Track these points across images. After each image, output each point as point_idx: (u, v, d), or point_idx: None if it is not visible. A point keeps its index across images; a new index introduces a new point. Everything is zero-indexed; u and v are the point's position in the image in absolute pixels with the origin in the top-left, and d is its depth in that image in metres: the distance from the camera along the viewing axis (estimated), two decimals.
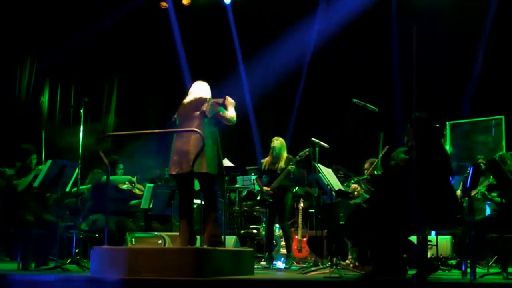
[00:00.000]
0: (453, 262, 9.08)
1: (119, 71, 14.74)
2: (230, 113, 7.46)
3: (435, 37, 12.39)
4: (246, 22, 14.46)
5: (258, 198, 10.32)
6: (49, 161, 8.14)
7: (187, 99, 7.53)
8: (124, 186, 9.46)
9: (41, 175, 8.10)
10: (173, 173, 7.25)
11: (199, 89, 7.60)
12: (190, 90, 7.66)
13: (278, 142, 10.03)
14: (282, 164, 9.92)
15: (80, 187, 8.86)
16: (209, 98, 7.43)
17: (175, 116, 7.50)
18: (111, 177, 8.91)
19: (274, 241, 10.40)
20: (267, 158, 10.14)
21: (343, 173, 9.86)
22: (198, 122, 7.20)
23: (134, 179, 9.59)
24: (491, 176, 8.71)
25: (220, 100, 7.47)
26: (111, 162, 9.16)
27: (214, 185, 7.44)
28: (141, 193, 9.61)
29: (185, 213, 7.27)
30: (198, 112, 7.24)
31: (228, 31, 14.67)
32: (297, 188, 11.40)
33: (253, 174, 12.22)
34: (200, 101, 7.36)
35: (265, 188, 10.01)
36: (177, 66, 14.67)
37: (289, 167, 9.75)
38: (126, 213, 9.54)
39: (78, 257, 8.67)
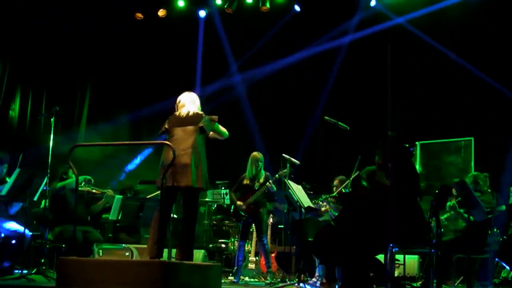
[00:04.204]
0: (418, 284, 9.14)
1: (91, 79, 14.65)
2: (223, 128, 7.61)
3: (406, 56, 12.54)
4: (220, 36, 14.44)
5: (232, 211, 10.23)
6: (17, 170, 8.07)
7: (183, 112, 7.47)
8: (82, 188, 9.30)
9: (9, 184, 8.03)
10: (169, 185, 7.11)
11: (193, 102, 7.58)
12: (182, 102, 7.58)
13: (259, 157, 9.98)
14: (261, 180, 9.91)
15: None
16: (205, 114, 7.46)
17: (166, 126, 7.45)
18: (66, 181, 8.87)
19: (243, 257, 10.36)
20: (250, 173, 10.04)
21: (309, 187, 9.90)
22: (195, 137, 7.25)
23: (91, 177, 9.43)
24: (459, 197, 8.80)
25: (215, 118, 7.50)
26: (66, 170, 9.12)
27: (198, 199, 7.52)
28: (99, 192, 9.49)
29: (162, 226, 7.22)
30: (195, 127, 7.29)
31: (205, 44, 14.67)
32: (267, 203, 11.41)
33: (223, 188, 12.21)
34: (197, 116, 7.39)
35: (238, 202, 9.97)
36: (150, 77, 14.64)
37: (268, 184, 9.72)
38: (88, 220, 9.45)
39: (44, 267, 8.58)
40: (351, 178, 8.49)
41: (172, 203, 7.38)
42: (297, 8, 13.46)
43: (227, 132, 7.67)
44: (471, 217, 8.29)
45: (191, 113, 7.43)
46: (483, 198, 8.62)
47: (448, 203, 8.90)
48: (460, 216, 8.92)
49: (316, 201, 9.66)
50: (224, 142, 7.91)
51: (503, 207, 9.09)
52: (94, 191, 9.46)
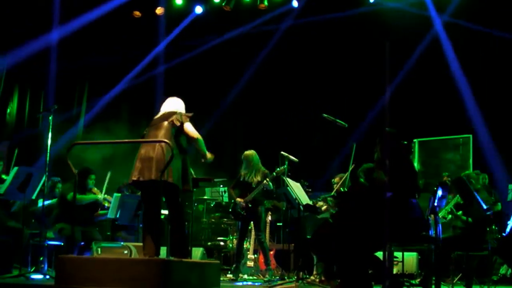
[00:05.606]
0: (417, 281, 9.14)
1: (90, 78, 14.63)
2: (193, 130, 7.20)
3: (406, 55, 12.55)
4: (216, 32, 14.44)
5: (230, 209, 10.22)
6: (15, 168, 8.06)
7: (158, 115, 7.43)
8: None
9: (7, 182, 8.02)
10: (134, 179, 6.99)
11: (170, 104, 7.50)
12: (162, 106, 7.52)
13: (250, 155, 9.96)
14: (258, 177, 9.89)
15: (46, 203, 8.80)
16: (179, 111, 7.33)
17: (146, 129, 7.39)
18: (78, 196, 8.83)
19: (242, 254, 10.35)
20: (244, 171, 10.07)
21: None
22: (165, 131, 7.08)
23: (101, 197, 9.41)
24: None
25: (189, 114, 7.34)
26: (83, 172, 9.11)
27: (177, 196, 7.18)
28: (109, 204, 9.51)
29: (150, 222, 7.11)
30: (166, 122, 7.14)
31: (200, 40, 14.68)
32: (265, 201, 11.41)
33: (221, 186, 12.20)
34: (170, 114, 7.25)
35: (238, 199, 9.95)
36: (150, 74, 14.63)
37: (265, 182, 9.70)
38: (92, 222, 9.46)
39: (42, 265, 8.58)
40: (349, 170, 8.48)
41: (152, 199, 7.08)
42: (295, 4, 13.44)
43: (198, 135, 7.17)
44: (469, 219, 8.31)
45: (164, 112, 7.35)
46: (479, 195, 8.61)
47: (445, 208, 8.91)
48: (459, 219, 8.93)
49: (315, 201, 9.65)
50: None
51: (499, 207, 9.08)
52: (104, 203, 9.48)
